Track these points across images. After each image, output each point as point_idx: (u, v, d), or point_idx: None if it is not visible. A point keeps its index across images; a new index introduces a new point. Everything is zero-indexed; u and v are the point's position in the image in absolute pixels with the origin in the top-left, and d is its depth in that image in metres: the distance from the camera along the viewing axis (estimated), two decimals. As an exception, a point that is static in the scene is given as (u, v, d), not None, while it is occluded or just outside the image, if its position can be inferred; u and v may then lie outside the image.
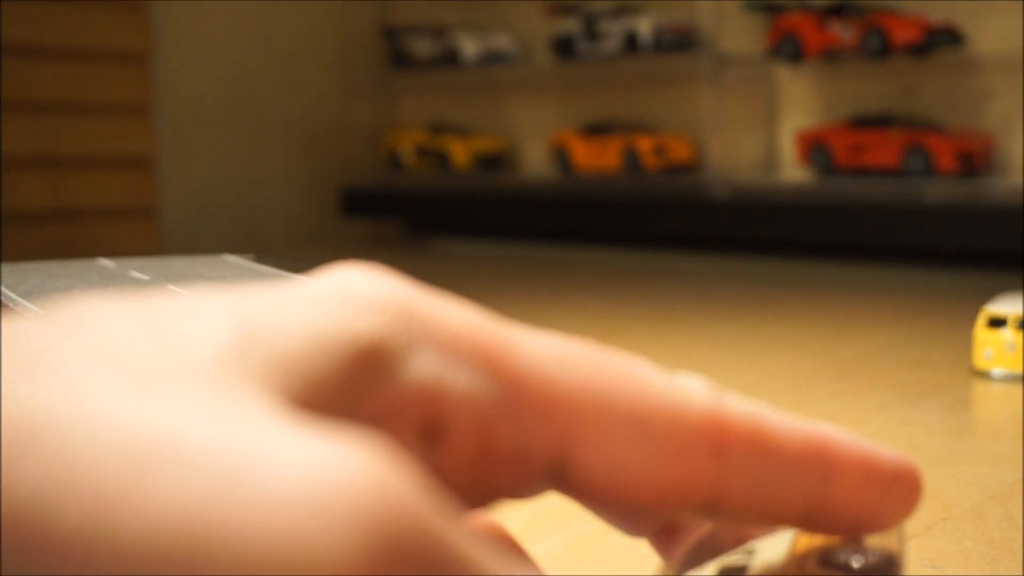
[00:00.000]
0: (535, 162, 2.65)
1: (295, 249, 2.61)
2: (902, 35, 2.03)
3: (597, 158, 2.41)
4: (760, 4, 2.23)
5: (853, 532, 0.22)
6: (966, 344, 1.07)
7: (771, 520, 0.21)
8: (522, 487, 0.20)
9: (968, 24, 2.03)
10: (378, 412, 0.18)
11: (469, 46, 2.62)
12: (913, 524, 0.56)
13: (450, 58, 2.66)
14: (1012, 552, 0.52)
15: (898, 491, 0.22)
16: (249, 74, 2.63)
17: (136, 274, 0.65)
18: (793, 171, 2.24)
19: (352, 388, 0.18)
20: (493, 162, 2.63)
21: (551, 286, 1.86)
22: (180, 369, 0.16)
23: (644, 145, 2.35)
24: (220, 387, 0.16)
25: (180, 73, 2.49)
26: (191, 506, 0.14)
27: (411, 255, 2.49)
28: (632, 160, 2.35)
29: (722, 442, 0.20)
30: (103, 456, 0.14)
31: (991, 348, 0.95)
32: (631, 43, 2.38)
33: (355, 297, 0.19)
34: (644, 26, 2.36)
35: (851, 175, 2.07)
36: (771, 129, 2.30)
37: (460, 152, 2.62)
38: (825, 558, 0.21)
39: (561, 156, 2.48)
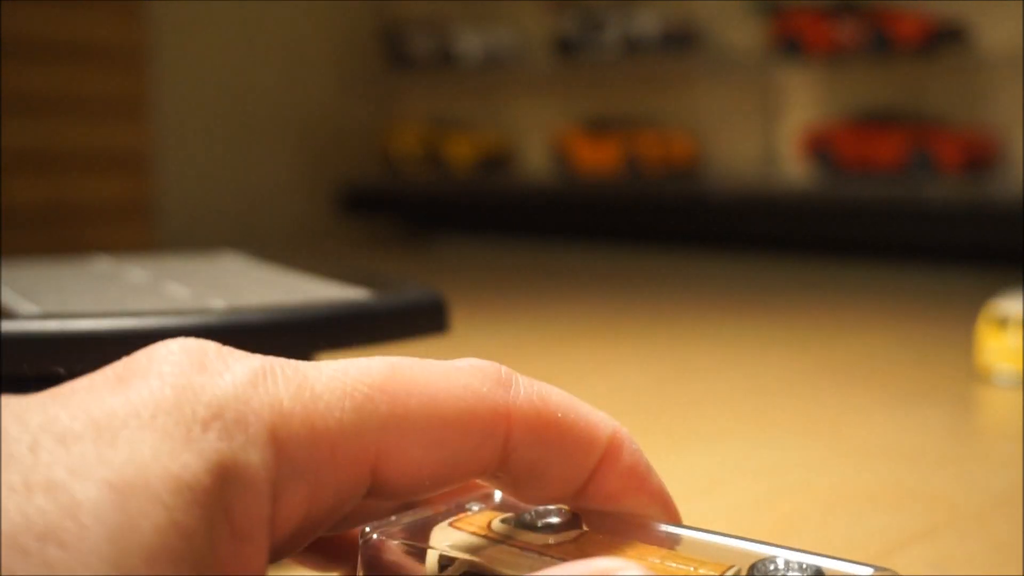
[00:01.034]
0: (535, 161, 2.65)
1: (294, 247, 2.61)
2: (905, 33, 2.02)
3: (598, 155, 2.40)
4: (763, 3, 2.22)
5: (605, 506, 0.25)
6: (968, 343, 1.07)
7: (550, 491, 0.24)
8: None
9: (972, 22, 2.03)
10: None
11: (469, 44, 2.62)
12: (918, 526, 0.55)
13: (450, 57, 2.66)
14: (1017, 555, 0.51)
15: (662, 503, 0.25)
16: (248, 73, 2.63)
17: (135, 271, 0.65)
18: (794, 170, 2.24)
19: None
20: (494, 163, 2.63)
21: (551, 286, 1.86)
22: None
23: (645, 143, 2.35)
24: None
25: (179, 72, 2.48)
26: None
27: (411, 255, 2.49)
28: (633, 158, 2.35)
29: (510, 427, 0.23)
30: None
31: (994, 347, 0.94)
32: (632, 41, 2.37)
33: None
34: (645, 24, 2.35)
35: (855, 173, 2.06)
36: (772, 127, 2.30)
37: (461, 150, 2.62)
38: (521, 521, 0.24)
39: (562, 154, 2.48)
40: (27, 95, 2.16)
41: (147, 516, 0.18)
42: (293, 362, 0.22)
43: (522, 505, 0.25)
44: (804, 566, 0.22)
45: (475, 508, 0.25)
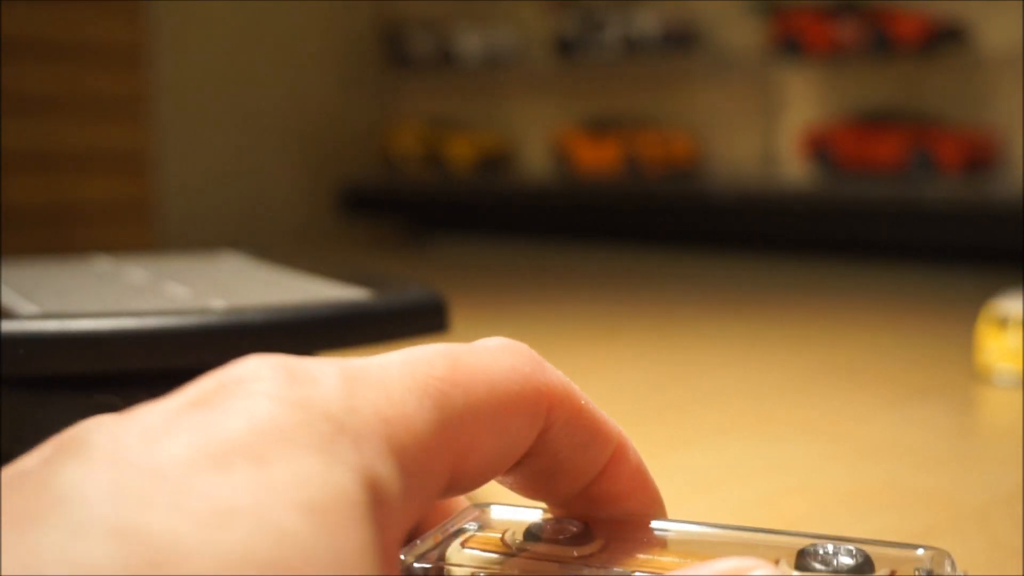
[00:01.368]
0: (535, 162, 2.65)
1: (295, 247, 2.61)
2: (905, 33, 2.02)
3: (598, 155, 2.40)
4: (763, 3, 2.22)
5: (608, 508, 0.24)
6: (968, 343, 1.07)
7: (563, 485, 0.23)
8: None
9: (972, 22, 2.03)
10: None
11: (469, 44, 2.62)
12: (918, 526, 0.55)
13: (450, 57, 2.66)
14: (1018, 555, 0.51)
15: (660, 506, 0.25)
16: (248, 73, 2.63)
17: (135, 271, 0.65)
18: (794, 170, 2.24)
19: None
20: (494, 163, 2.63)
21: (551, 286, 1.86)
22: None
23: (645, 143, 2.35)
24: None
25: (179, 72, 2.48)
26: None
27: (411, 255, 2.48)
28: (633, 158, 2.34)
29: (550, 409, 0.23)
30: None
31: (994, 347, 0.94)
32: (632, 41, 2.37)
33: None
34: (645, 24, 2.35)
35: (855, 173, 2.06)
36: (772, 127, 2.30)
37: (461, 150, 2.62)
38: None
39: (562, 154, 2.47)
40: (27, 95, 2.16)
41: (348, 539, 0.17)
42: (359, 362, 0.20)
43: (519, 521, 0.24)
44: (853, 551, 0.21)
45: (473, 527, 0.24)
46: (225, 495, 0.16)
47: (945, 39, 2.00)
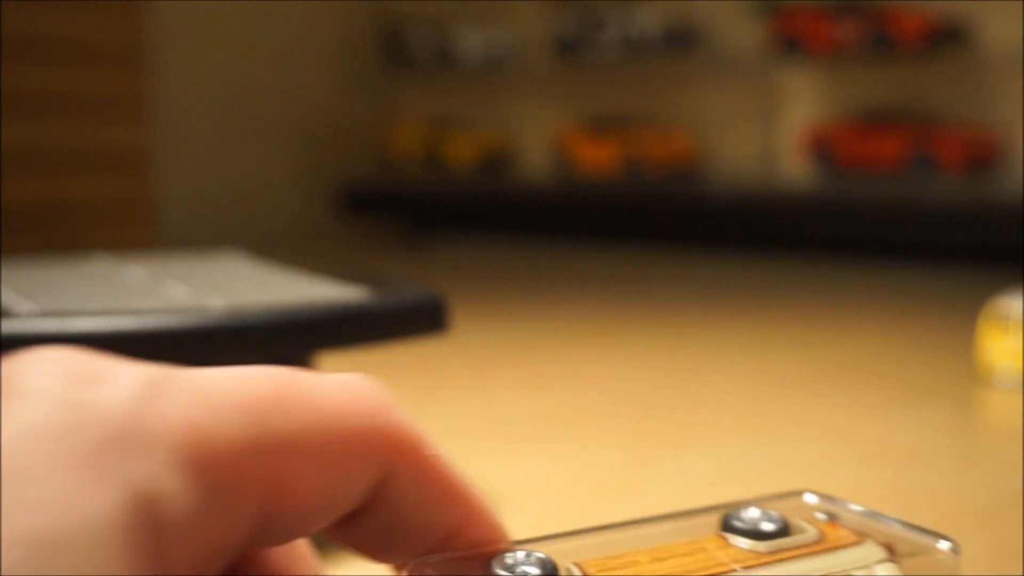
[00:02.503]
0: (535, 162, 2.65)
1: (294, 247, 2.61)
2: (906, 33, 2.02)
3: (598, 155, 2.40)
4: (763, 3, 2.22)
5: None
6: (969, 343, 1.07)
7: (407, 545, 0.21)
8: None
9: (973, 22, 2.03)
10: None
11: (469, 44, 2.62)
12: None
13: (450, 57, 2.65)
14: (1018, 555, 0.51)
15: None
16: (248, 73, 2.63)
17: (135, 270, 0.65)
18: (794, 170, 2.24)
19: None
20: (494, 163, 2.63)
21: (550, 286, 1.86)
22: None
23: (645, 142, 2.34)
24: None
25: (179, 72, 2.48)
26: None
27: (411, 255, 2.48)
28: (633, 158, 2.34)
29: (392, 457, 0.21)
30: None
31: (995, 347, 0.94)
32: (632, 41, 2.37)
33: None
34: (645, 24, 2.35)
35: (856, 173, 2.06)
36: (773, 127, 2.30)
37: (461, 150, 2.62)
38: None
39: (562, 154, 2.47)
40: (27, 95, 2.16)
41: (91, 570, 0.15)
42: (179, 370, 0.19)
43: (468, 561, 0.22)
44: (772, 514, 0.22)
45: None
46: None
47: (946, 39, 2.00)
